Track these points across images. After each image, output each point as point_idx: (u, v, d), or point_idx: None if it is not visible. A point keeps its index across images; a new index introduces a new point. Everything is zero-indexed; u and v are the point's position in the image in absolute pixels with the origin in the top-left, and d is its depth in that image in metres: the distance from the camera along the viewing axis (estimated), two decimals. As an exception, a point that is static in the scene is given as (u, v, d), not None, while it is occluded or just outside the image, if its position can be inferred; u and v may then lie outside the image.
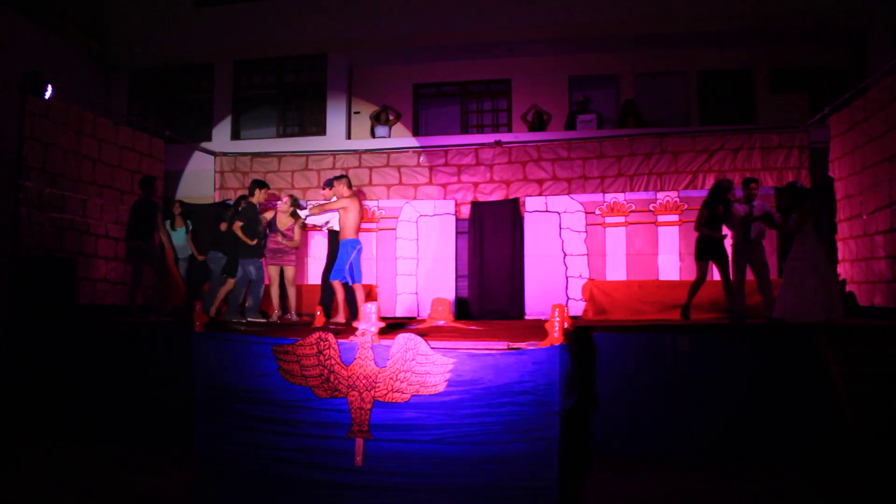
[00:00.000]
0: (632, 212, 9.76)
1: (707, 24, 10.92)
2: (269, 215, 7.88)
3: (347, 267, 6.77)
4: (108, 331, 6.97)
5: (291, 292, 7.88)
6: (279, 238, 7.76)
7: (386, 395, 4.00)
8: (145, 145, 10.15)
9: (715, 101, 11.78)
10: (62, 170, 8.32)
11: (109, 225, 9.16)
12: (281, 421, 4.24)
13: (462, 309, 9.78)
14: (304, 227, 8.44)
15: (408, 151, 11.04)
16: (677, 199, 9.66)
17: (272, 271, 7.86)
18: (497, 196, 10.57)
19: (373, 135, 11.95)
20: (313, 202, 10.24)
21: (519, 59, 12.26)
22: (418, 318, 9.09)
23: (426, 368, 3.94)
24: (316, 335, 4.18)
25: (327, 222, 7.90)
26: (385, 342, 4.11)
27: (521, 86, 12.42)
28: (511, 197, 10.45)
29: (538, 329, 4.96)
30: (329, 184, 7.87)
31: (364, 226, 10.37)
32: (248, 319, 7.46)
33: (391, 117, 12.09)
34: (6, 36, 9.67)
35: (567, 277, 9.70)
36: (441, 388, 3.93)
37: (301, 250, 9.34)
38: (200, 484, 4.41)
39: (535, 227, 9.97)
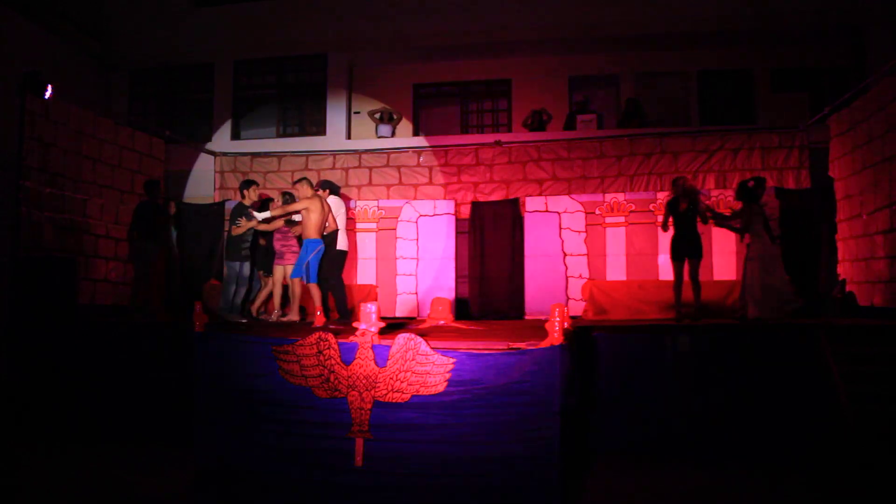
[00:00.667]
0: (632, 212, 9.76)
1: (707, 24, 10.91)
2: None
3: (305, 266, 7.03)
4: (108, 331, 6.97)
5: (296, 292, 7.90)
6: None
7: (386, 395, 4.00)
8: (145, 145, 10.15)
9: (715, 101, 11.76)
10: (62, 170, 8.32)
11: (109, 225, 9.16)
12: (281, 421, 4.24)
13: (462, 309, 9.78)
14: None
15: (408, 151, 11.04)
16: (677, 199, 9.65)
17: (277, 272, 7.90)
18: (497, 196, 10.57)
19: (377, 134, 11.94)
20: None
21: (519, 59, 12.25)
22: (418, 318, 9.09)
23: (426, 368, 3.95)
24: (316, 335, 4.18)
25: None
26: (385, 342, 4.11)
27: (521, 86, 12.41)
28: (511, 197, 10.45)
29: (538, 329, 4.96)
30: (323, 185, 8.04)
31: (364, 226, 10.45)
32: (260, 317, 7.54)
33: (395, 116, 12.08)
34: (6, 36, 9.67)
35: (567, 277, 9.70)
36: (441, 388, 3.93)
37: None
38: (200, 484, 4.41)
39: (535, 227, 9.96)
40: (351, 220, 10.36)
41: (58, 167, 8.23)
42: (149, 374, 6.31)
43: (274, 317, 7.88)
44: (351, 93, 12.39)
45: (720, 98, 11.78)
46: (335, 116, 12.02)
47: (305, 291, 7.49)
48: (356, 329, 4.18)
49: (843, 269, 8.92)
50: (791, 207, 9.30)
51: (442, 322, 6.85)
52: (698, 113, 11.74)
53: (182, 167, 11.55)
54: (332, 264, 7.61)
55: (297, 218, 7.56)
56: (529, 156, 10.61)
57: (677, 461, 5.46)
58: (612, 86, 12.38)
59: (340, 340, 4.18)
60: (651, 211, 9.68)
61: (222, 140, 12.10)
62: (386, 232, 10.35)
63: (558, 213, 9.92)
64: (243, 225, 7.52)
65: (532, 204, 10.11)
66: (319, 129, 12.09)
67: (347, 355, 4.11)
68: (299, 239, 7.56)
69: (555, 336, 3.94)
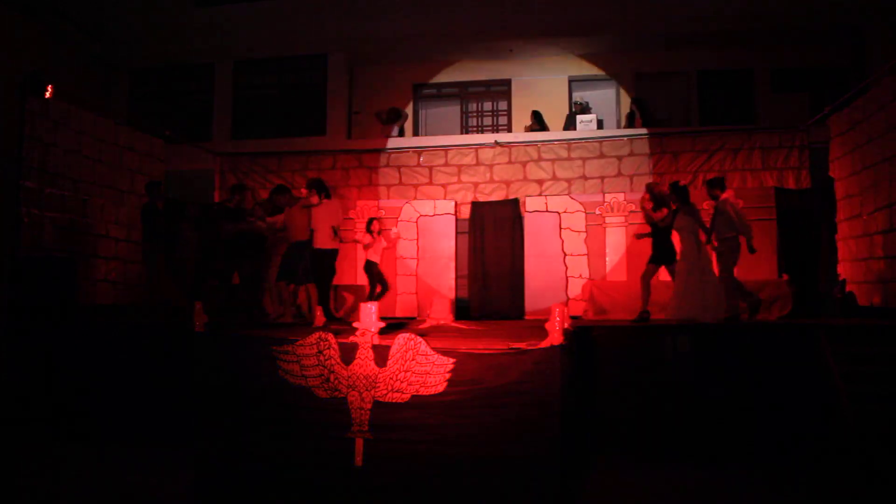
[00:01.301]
0: (632, 212, 9.76)
1: (707, 24, 10.92)
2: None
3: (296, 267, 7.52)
4: (108, 331, 6.96)
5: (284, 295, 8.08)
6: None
7: (386, 395, 4.00)
8: (145, 145, 10.14)
9: (715, 101, 11.77)
10: (62, 170, 8.31)
11: (109, 225, 9.15)
12: (281, 421, 4.24)
13: (462, 309, 9.78)
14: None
15: (408, 151, 11.04)
16: (677, 199, 9.65)
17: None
18: (497, 196, 10.57)
19: (384, 134, 11.93)
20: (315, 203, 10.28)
21: (519, 59, 12.25)
22: (418, 318, 9.09)
23: (426, 368, 3.95)
24: (316, 335, 4.18)
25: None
26: (385, 342, 4.11)
27: (521, 86, 12.42)
28: (511, 197, 10.45)
29: (538, 329, 4.96)
30: (309, 185, 8.14)
31: (365, 226, 10.46)
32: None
33: (402, 114, 12.06)
34: (6, 36, 9.67)
35: (567, 277, 9.70)
36: (441, 388, 3.93)
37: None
38: (200, 484, 4.41)
39: (535, 227, 9.97)
40: (351, 221, 10.37)
41: (58, 167, 8.23)
42: (149, 374, 6.31)
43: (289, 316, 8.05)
44: (351, 93, 12.39)
45: (720, 98, 11.79)
46: (335, 116, 12.02)
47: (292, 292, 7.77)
48: (356, 329, 4.18)
49: (843, 269, 8.92)
50: (791, 207, 9.31)
51: (442, 322, 6.85)
52: (698, 113, 11.75)
53: (182, 167, 11.55)
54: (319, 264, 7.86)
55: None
56: (529, 156, 10.61)
57: (677, 461, 5.45)
58: (612, 86, 12.39)
59: (340, 340, 4.18)
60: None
61: (222, 140, 12.10)
62: (386, 232, 10.34)
63: (558, 213, 9.92)
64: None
65: (532, 204, 10.11)
66: (319, 129, 12.08)
67: (347, 355, 4.11)
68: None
69: (555, 336, 3.94)
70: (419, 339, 4.01)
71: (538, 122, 11.46)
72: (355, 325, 4.25)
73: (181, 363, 4.75)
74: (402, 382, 3.97)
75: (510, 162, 10.65)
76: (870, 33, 10.60)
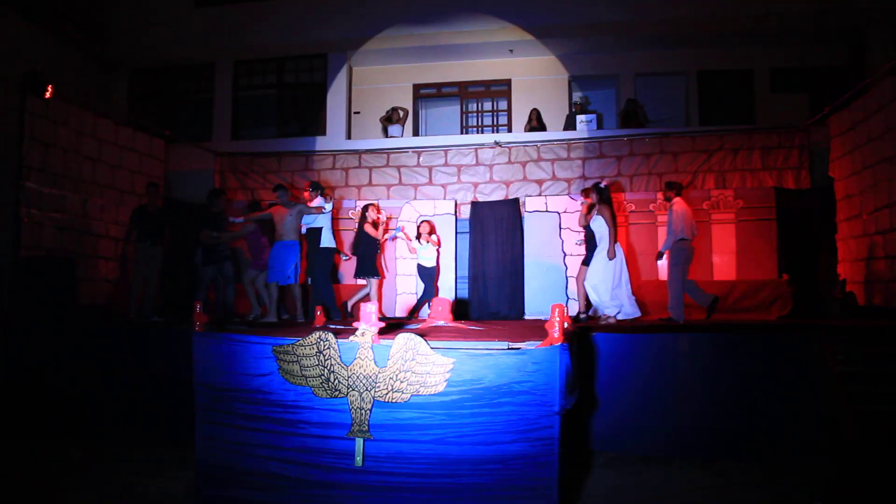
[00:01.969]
0: (632, 212, 9.76)
1: (707, 24, 10.92)
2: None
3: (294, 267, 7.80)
4: (108, 331, 6.96)
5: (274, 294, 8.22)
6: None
7: (386, 395, 3.99)
8: (145, 145, 10.15)
9: (715, 101, 11.78)
10: (62, 170, 8.32)
11: (109, 225, 9.15)
12: (281, 421, 4.23)
13: (462, 309, 9.78)
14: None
15: (408, 151, 11.04)
16: (677, 199, 9.65)
17: (251, 274, 8.49)
18: (497, 196, 10.57)
19: (385, 134, 11.94)
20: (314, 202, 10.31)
21: (519, 59, 12.26)
22: (418, 318, 9.09)
23: (426, 368, 3.94)
24: (316, 335, 4.17)
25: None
26: (385, 342, 4.11)
27: (521, 86, 12.43)
28: (511, 197, 10.45)
29: (538, 329, 4.96)
30: (313, 187, 8.40)
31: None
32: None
33: (402, 113, 12.06)
34: (6, 36, 9.67)
35: (567, 277, 9.70)
36: (441, 388, 3.92)
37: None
38: (200, 484, 4.41)
39: (535, 227, 9.97)
40: (350, 220, 10.37)
41: (58, 167, 8.23)
42: (149, 374, 6.31)
43: (252, 317, 8.22)
44: (351, 93, 12.39)
45: (720, 98, 11.79)
46: (335, 116, 12.02)
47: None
48: (356, 329, 4.18)
49: (843, 269, 8.93)
50: (791, 207, 9.31)
51: (442, 322, 6.85)
52: (698, 113, 11.75)
53: (182, 167, 11.55)
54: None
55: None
56: (529, 156, 10.62)
57: (677, 461, 5.46)
58: (612, 86, 12.39)
59: (340, 340, 4.18)
60: (651, 211, 9.69)
61: (222, 140, 12.10)
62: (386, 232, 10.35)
63: (558, 213, 9.92)
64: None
65: (532, 204, 10.11)
66: (319, 129, 12.09)
67: (347, 355, 4.11)
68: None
69: (555, 336, 3.94)
70: (419, 338, 4.00)
71: (538, 121, 11.45)
72: (355, 325, 4.24)
73: (181, 363, 4.74)
74: (402, 382, 3.97)
75: (510, 162, 10.66)
76: (870, 33, 10.60)
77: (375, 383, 4.02)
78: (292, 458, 4.19)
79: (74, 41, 11.51)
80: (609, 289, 7.26)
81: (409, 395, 3.96)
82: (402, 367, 3.97)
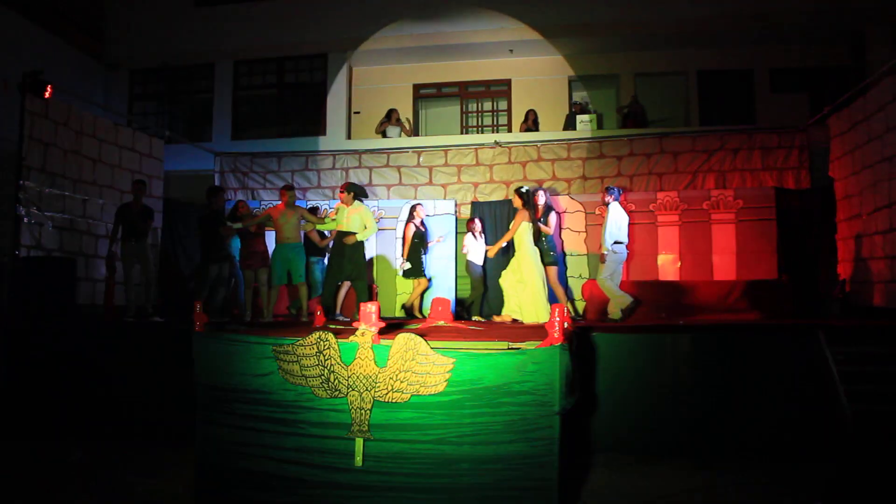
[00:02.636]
0: (632, 212, 9.74)
1: (707, 24, 10.93)
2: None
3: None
4: (109, 331, 6.96)
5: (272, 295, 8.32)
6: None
7: (386, 395, 4.00)
8: (145, 145, 10.14)
9: (715, 101, 11.78)
10: (62, 170, 8.31)
11: (109, 225, 9.13)
12: (281, 421, 4.23)
13: (462, 309, 9.77)
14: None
15: (408, 151, 11.04)
16: (677, 199, 9.65)
17: (248, 275, 8.47)
18: (497, 196, 10.57)
19: (384, 136, 11.94)
20: (313, 202, 10.35)
21: (519, 59, 12.26)
22: (418, 318, 9.09)
23: (426, 368, 3.94)
24: (316, 335, 4.18)
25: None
26: (385, 342, 4.11)
27: (521, 86, 12.43)
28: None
29: (538, 329, 4.96)
30: (347, 188, 8.30)
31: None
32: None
33: (400, 119, 12.07)
34: (6, 36, 9.67)
35: (567, 277, 9.69)
36: (441, 388, 3.93)
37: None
38: (200, 484, 4.41)
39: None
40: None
41: (58, 167, 8.23)
42: (149, 374, 6.31)
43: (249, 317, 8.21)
44: (351, 93, 12.40)
45: (720, 98, 11.80)
46: (335, 116, 12.03)
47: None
48: (356, 329, 4.18)
49: (843, 269, 8.92)
50: (791, 207, 9.31)
51: (442, 322, 6.85)
52: (698, 113, 11.76)
53: (182, 167, 11.56)
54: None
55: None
56: (529, 156, 10.62)
57: (677, 461, 5.45)
58: (612, 86, 12.39)
59: (340, 340, 4.18)
60: (651, 211, 9.69)
61: (222, 140, 12.11)
62: (386, 232, 10.35)
63: (558, 213, 9.91)
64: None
65: (532, 204, 10.09)
66: (319, 129, 12.09)
67: (347, 355, 4.11)
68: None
69: (555, 336, 3.94)
70: (419, 338, 4.00)
71: (534, 122, 11.48)
72: (355, 325, 4.25)
73: (181, 363, 4.74)
74: (402, 382, 3.97)
75: (510, 162, 10.66)
76: (870, 33, 10.61)
77: (375, 383, 4.02)
78: (292, 458, 4.19)
79: (74, 41, 11.51)
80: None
81: (409, 395, 3.96)
82: (402, 367, 3.97)
